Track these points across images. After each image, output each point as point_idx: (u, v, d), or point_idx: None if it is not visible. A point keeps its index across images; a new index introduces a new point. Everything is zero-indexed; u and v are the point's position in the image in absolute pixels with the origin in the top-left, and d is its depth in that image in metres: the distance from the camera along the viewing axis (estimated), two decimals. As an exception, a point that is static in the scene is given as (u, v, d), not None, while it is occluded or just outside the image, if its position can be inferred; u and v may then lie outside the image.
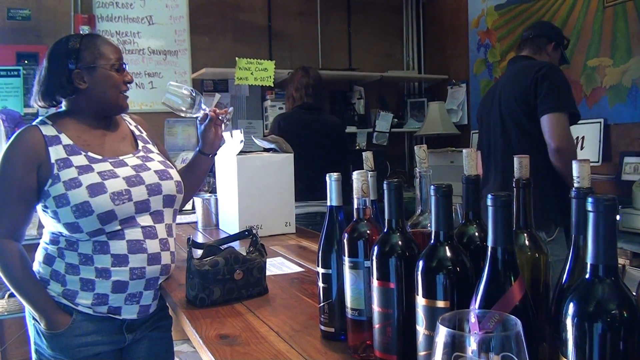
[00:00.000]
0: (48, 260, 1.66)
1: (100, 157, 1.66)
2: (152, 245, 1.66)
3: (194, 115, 1.90)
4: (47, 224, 1.68)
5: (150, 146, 1.84)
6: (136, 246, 1.63)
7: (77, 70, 1.65)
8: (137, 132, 1.85)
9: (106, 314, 1.65)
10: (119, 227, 1.61)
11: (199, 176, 1.98)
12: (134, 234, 1.64)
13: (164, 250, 1.68)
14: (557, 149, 2.35)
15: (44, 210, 1.64)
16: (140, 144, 1.82)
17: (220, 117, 1.91)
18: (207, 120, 1.90)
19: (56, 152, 1.61)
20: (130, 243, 1.62)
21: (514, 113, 2.53)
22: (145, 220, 1.66)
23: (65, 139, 1.64)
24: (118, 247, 1.61)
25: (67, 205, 1.56)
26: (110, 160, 1.67)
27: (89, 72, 1.66)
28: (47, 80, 1.67)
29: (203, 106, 1.89)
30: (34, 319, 1.68)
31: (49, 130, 1.64)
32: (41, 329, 1.65)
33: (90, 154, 1.65)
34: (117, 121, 1.81)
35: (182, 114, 1.89)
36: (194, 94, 1.88)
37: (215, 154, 2.00)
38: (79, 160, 1.63)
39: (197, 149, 1.97)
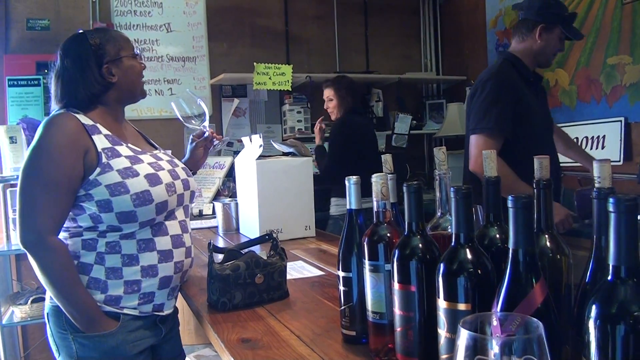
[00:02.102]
0: (83, 269, 1.58)
1: (140, 149, 1.69)
2: (187, 239, 1.73)
3: (195, 127, 1.99)
4: (81, 222, 1.59)
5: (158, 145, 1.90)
6: (178, 240, 1.68)
7: (106, 65, 1.65)
8: (143, 134, 1.89)
9: (151, 312, 1.65)
10: (162, 219, 1.65)
11: None
12: (174, 228, 1.68)
13: (192, 244, 1.76)
14: (472, 171, 2.32)
15: (83, 202, 1.56)
16: (155, 144, 1.88)
17: (214, 141, 2.03)
18: (201, 138, 1.99)
19: (100, 141, 1.59)
20: (173, 238, 1.67)
21: (466, 127, 2.53)
22: (180, 214, 1.73)
23: (103, 129, 1.63)
24: (163, 242, 1.64)
25: (126, 194, 1.55)
26: (148, 153, 1.70)
27: (116, 65, 1.67)
28: (79, 80, 1.63)
29: (205, 124, 1.97)
30: (72, 332, 1.59)
31: (84, 119, 1.60)
32: (84, 337, 1.57)
33: (130, 145, 1.67)
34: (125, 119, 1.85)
35: (186, 123, 1.96)
36: (202, 106, 1.99)
37: (195, 173, 2.05)
38: (124, 150, 1.63)
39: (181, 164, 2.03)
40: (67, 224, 1.60)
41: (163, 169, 1.67)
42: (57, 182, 1.52)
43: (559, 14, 2.45)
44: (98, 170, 1.55)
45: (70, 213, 1.59)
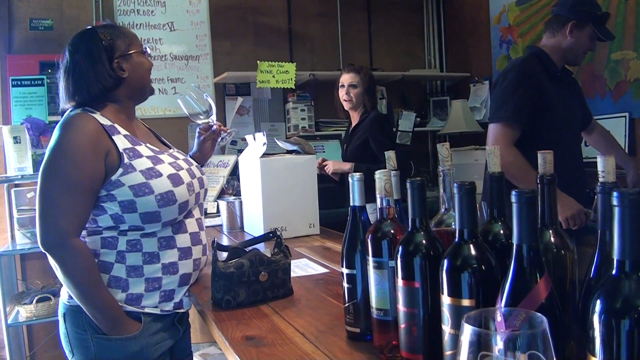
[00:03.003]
0: (104, 267, 1.58)
1: (158, 149, 1.70)
2: (203, 236, 1.76)
3: (201, 122, 2.00)
4: (101, 222, 1.59)
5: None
6: (196, 238, 1.71)
7: (117, 60, 1.66)
8: (154, 131, 1.90)
9: (172, 310, 1.66)
10: (181, 218, 1.66)
11: None
12: (192, 226, 1.70)
13: (207, 241, 1.77)
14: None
15: (104, 203, 1.56)
16: (169, 143, 1.89)
17: (221, 135, 2.03)
18: (209, 132, 2.00)
19: (121, 141, 1.59)
20: (192, 235, 1.69)
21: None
22: (196, 212, 1.75)
23: (122, 129, 1.63)
24: (182, 240, 1.66)
25: (151, 194, 1.55)
26: (166, 153, 1.71)
27: (126, 60, 1.68)
28: (91, 75, 1.62)
29: (213, 117, 1.99)
30: (92, 333, 1.58)
31: (102, 119, 1.60)
32: (106, 339, 1.57)
33: (149, 145, 1.68)
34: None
35: (194, 119, 1.98)
36: (209, 100, 1.99)
37: (203, 165, 2.06)
38: (144, 150, 1.63)
39: (189, 157, 2.02)
40: (87, 224, 1.61)
41: (182, 169, 1.69)
42: (78, 183, 1.51)
43: (591, 12, 2.45)
44: (120, 170, 1.55)
45: (91, 213, 1.59)
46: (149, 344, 1.62)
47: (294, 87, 4.00)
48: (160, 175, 1.60)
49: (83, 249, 1.53)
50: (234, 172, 3.56)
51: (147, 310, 1.61)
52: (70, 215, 1.51)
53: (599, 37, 2.48)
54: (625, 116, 3.33)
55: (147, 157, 1.62)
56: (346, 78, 3.31)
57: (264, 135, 2.45)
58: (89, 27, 1.73)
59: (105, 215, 1.58)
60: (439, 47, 5.11)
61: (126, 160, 1.57)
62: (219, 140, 2.05)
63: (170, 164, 1.66)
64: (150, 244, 1.60)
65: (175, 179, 1.62)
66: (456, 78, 4.96)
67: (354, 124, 3.39)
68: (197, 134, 2.03)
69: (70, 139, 1.54)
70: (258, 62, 3.87)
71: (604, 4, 3.43)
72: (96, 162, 1.53)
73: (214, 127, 2.01)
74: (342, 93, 3.32)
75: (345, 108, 3.38)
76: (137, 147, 1.62)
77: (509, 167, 2.23)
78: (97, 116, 1.60)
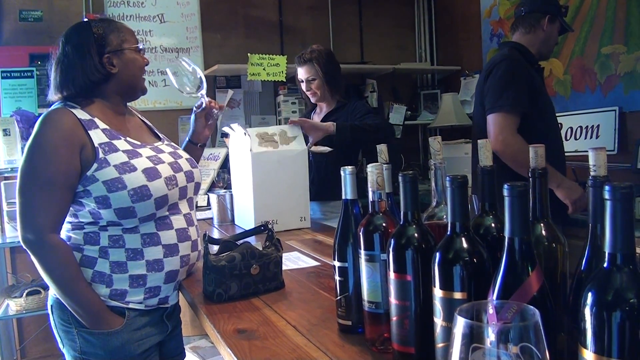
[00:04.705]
0: (88, 262, 1.58)
1: (139, 143, 1.67)
2: (193, 232, 1.72)
3: (194, 96, 1.99)
4: (81, 217, 1.59)
5: (165, 137, 1.89)
6: (183, 234, 1.68)
7: (107, 55, 1.64)
8: (148, 123, 1.88)
9: (157, 305, 1.65)
10: (166, 213, 1.64)
11: None
12: (179, 222, 1.67)
13: (198, 237, 1.75)
14: (494, 152, 2.27)
15: (81, 199, 1.56)
16: (160, 134, 1.86)
17: (214, 111, 2.01)
18: (200, 109, 1.99)
19: (97, 136, 1.58)
20: (178, 232, 1.66)
21: (477, 110, 2.56)
22: (184, 207, 1.72)
23: (101, 123, 1.61)
24: (168, 236, 1.63)
25: (124, 189, 1.54)
26: (149, 147, 1.69)
27: (117, 56, 1.66)
28: (78, 67, 1.62)
29: (202, 92, 1.97)
30: (77, 327, 1.59)
31: (81, 114, 1.59)
32: (89, 333, 1.57)
33: (129, 139, 1.65)
34: (129, 109, 1.83)
35: (183, 91, 1.96)
36: (198, 75, 1.97)
37: (204, 144, 2.05)
38: (122, 145, 1.61)
39: (187, 138, 2.04)
40: (69, 218, 1.60)
41: (163, 162, 1.66)
42: (53, 180, 1.51)
43: (559, 6, 2.60)
44: (95, 165, 1.54)
45: (72, 209, 1.59)
46: (132, 339, 1.61)
47: (284, 80, 3.98)
48: (135, 169, 1.57)
49: (60, 245, 1.53)
50: (225, 165, 3.55)
51: (131, 305, 1.61)
52: (46, 212, 1.51)
53: (564, 29, 2.63)
54: (615, 110, 3.35)
55: (124, 151, 1.60)
56: (302, 72, 3.00)
57: (239, 125, 2.45)
58: (86, 19, 1.72)
59: (84, 210, 1.58)
60: (430, 41, 5.11)
61: (101, 155, 1.55)
62: (214, 117, 2.03)
63: (149, 157, 1.64)
64: (133, 240, 1.59)
65: (151, 173, 1.59)
66: (447, 71, 4.97)
67: (325, 110, 3.07)
68: (193, 112, 2.04)
69: (45, 135, 1.53)
70: (249, 54, 3.85)
71: (595, -2, 3.45)
72: (71, 157, 1.52)
73: (204, 103, 1.99)
74: (303, 88, 3.03)
75: (313, 101, 3.09)
76: (114, 142, 1.60)
77: (518, 155, 2.25)
78: (77, 111, 1.59)
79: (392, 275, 0.95)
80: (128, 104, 1.81)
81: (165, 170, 1.64)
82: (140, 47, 1.74)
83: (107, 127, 1.62)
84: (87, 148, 1.55)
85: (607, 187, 0.65)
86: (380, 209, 1.08)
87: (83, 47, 1.63)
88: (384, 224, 1.05)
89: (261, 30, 4.50)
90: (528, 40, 2.57)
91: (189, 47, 4.27)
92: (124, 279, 1.58)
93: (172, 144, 1.85)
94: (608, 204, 0.65)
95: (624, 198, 0.65)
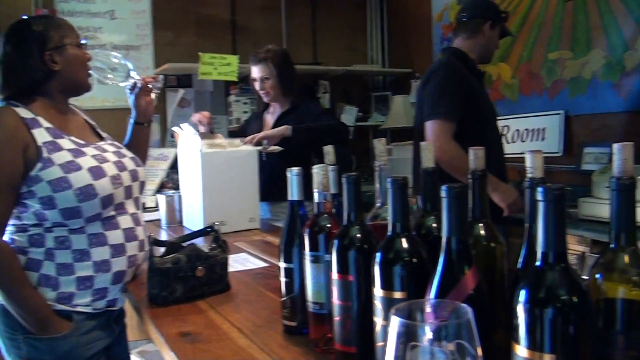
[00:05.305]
0: (33, 265, 1.53)
1: (83, 142, 1.63)
2: (140, 232, 1.69)
3: (122, 84, 1.93)
4: (25, 220, 1.55)
5: (108, 136, 1.85)
6: (130, 234, 1.64)
7: (49, 52, 1.60)
8: (91, 122, 1.83)
9: (104, 308, 1.62)
10: (113, 213, 1.60)
11: (142, 150, 1.99)
12: (125, 221, 1.64)
13: (145, 237, 1.71)
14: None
15: (25, 200, 1.52)
16: (103, 133, 1.82)
17: (150, 85, 1.95)
18: (137, 89, 1.93)
19: (41, 135, 1.53)
20: (125, 232, 1.63)
21: (417, 116, 2.61)
22: (130, 207, 1.69)
23: (44, 122, 1.57)
24: (115, 236, 1.60)
25: (69, 189, 1.50)
26: (92, 146, 1.65)
27: (59, 53, 1.62)
28: (20, 67, 1.58)
29: (132, 74, 1.92)
30: (23, 333, 1.54)
31: (24, 113, 1.55)
32: (36, 339, 1.52)
33: (73, 137, 1.61)
34: (72, 108, 1.79)
35: (109, 82, 1.91)
36: (123, 62, 1.92)
37: (151, 121, 2.02)
38: (66, 143, 1.57)
39: (132, 120, 1.99)
40: (12, 221, 1.55)
41: (108, 161, 1.63)
42: None
43: (500, 12, 2.68)
44: (39, 165, 1.50)
45: (15, 211, 1.54)
46: (81, 343, 1.58)
47: (236, 80, 3.95)
48: (80, 168, 1.54)
49: (3, 249, 1.49)
50: (174, 166, 3.50)
51: (79, 308, 1.57)
52: None
53: (504, 34, 2.72)
54: (560, 113, 3.45)
55: (68, 150, 1.56)
56: (256, 71, 2.94)
57: (189, 125, 2.42)
58: (24, 17, 1.67)
59: (28, 212, 1.54)
60: (382, 43, 5.16)
61: (45, 154, 1.51)
62: (154, 92, 1.99)
63: (93, 156, 1.61)
64: (79, 241, 1.55)
65: (97, 172, 1.56)
66: (398, 74, 5.02)
67: (279, 110, 3.01)
68: (128, 95, 1.98)
69: None
70: (200, 54, 3.80)
71: (543, 5, 3.54)
72: (13, 157, 1.49)
73: (138, 83, 1.94)
74: (256, 87, 2.98)
75: (266, 101, 3.03)
76: (59, 140, 1.57)
77: (453, 160, 2.29)
78: (20, 109, 1.55)
79: (335, 275, 0.95)
80: (73, 102, 1.77)
81: (110, 169, 1.61)
82: (83, 42, 1.69)
83: (50, 125, 1.58)
84: (30, 148, 1.51)
85: (539, 189, 0.67)
86: (326, 210, 1.08)
87: (23, 45, 1.59)
88: (328, 225, 1.05)
89: (213, 29, 4.46)
90: (469, 46, 2.62)
91: (140, 45, 4.19)
92: (70, 281, 1.55)
93: (115, 143, 1.80)
94: (541, 205, 0.67)
95: (555, 199, 0.66)
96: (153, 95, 1.99)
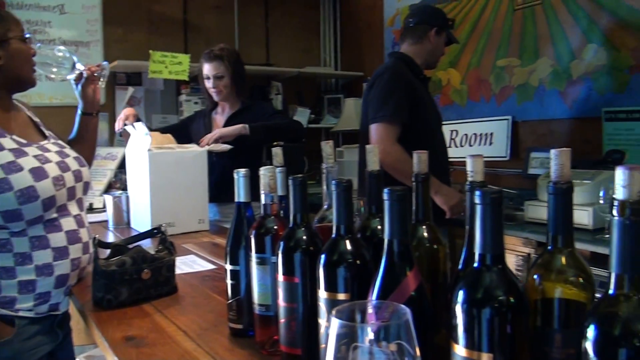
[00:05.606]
0: None
1: (25, 142, 1.58)
2: (84, 234, 1.66)
3: (67, 77, 1.92)
4: None
5: (52, 134, 1.79)
6: (74, 236, 1.60)
7: None
8: (35, 119, 1.78)
9: (47, 312, 1.57)
10: (55, 215, 1.56)
11: (91, 142, 1.98)
12: (68, 223, 1.60)
13: (90, 239, 1.67)
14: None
15: None
16: (47, 132, 1.77)
17: (96, 74, 1.95)
18: (83, 79, 1.92)
19: None
20: (68, 234, 1.59)
21: (363, 119, 2.65)
22: (74, 208, 1.65)
23: None
24: (57, 239, 1.56)
25: (10, 191, 1.45)
26: (34, 145, 1.60)
27: (2, 47, 1.57)
28: None
29: (77, 65, 1.91)
30: None
31: None
32: None
33: (15, 137, 1.56)
34: (16, 105, 1.73)
35: (54, 76, 1.89)
36: (67, 55, 1.90)
37: (99, 111, 2.00)
38: (8, 143, 1.53)
39: (79, 111, 1.97)
40: None
41: (50, 162, 1.58)
42: None
43: (446, 20, 2.73)
44: None
45: None
46: (24, 349, 1.53)
47: (187, 79, 3.91)
48: (21, 169, 1.49)
49: None
50: (122, 165, 3.43)
51: (21, 313, 1.53)
52: None
53: (450, 41, 2.77)
54: (508, 119, 3.54)
55: (10, 149, 1.52)
56: (209, 69, 2.89)
57: (143, 125, 2.38)
58: None
59: None
60: (335, 46, 5.19)
61: None
62: (100, 80, 1.99)
63: (35, 156, 1.56)
64: (21, 244, 1.51)
65: (39, 173, 1.52)
66: (350, 77, 5.06)
67: (229, 111, 3.00)
68: (74, 86, 1.96)
69: None
70: (150, 52, 3.75)
71: (492, 13, 3.62)
72: None
73: (84, 73, 1.93)
74: (208, 85, 2.92)
75: (216, 100, 2.99)
76: (0, 140, 1.52)
77: (396, 163, 2.32)
78: None
79: (280, 277, 0.95)
80: (18, 98, 1.72)
81: (52, 169, 1.57)
82: (27, 36, 1.65)
83: None
84: None
85: (477, 192, 0.69)
86: (272, 211, 1.08)
87: None
88: (275, 227, 1.06)
89: (164, 26, 4.40)
90: (415, 51, 2.67)
91: (89, 41, 4.10)
92: (12, 285, 1.50)
93: (59, 142, 1.76)
94: (478, 208, 0.69)
95: (493, 202, 0.68)
96: (101, 84, 1.98)
